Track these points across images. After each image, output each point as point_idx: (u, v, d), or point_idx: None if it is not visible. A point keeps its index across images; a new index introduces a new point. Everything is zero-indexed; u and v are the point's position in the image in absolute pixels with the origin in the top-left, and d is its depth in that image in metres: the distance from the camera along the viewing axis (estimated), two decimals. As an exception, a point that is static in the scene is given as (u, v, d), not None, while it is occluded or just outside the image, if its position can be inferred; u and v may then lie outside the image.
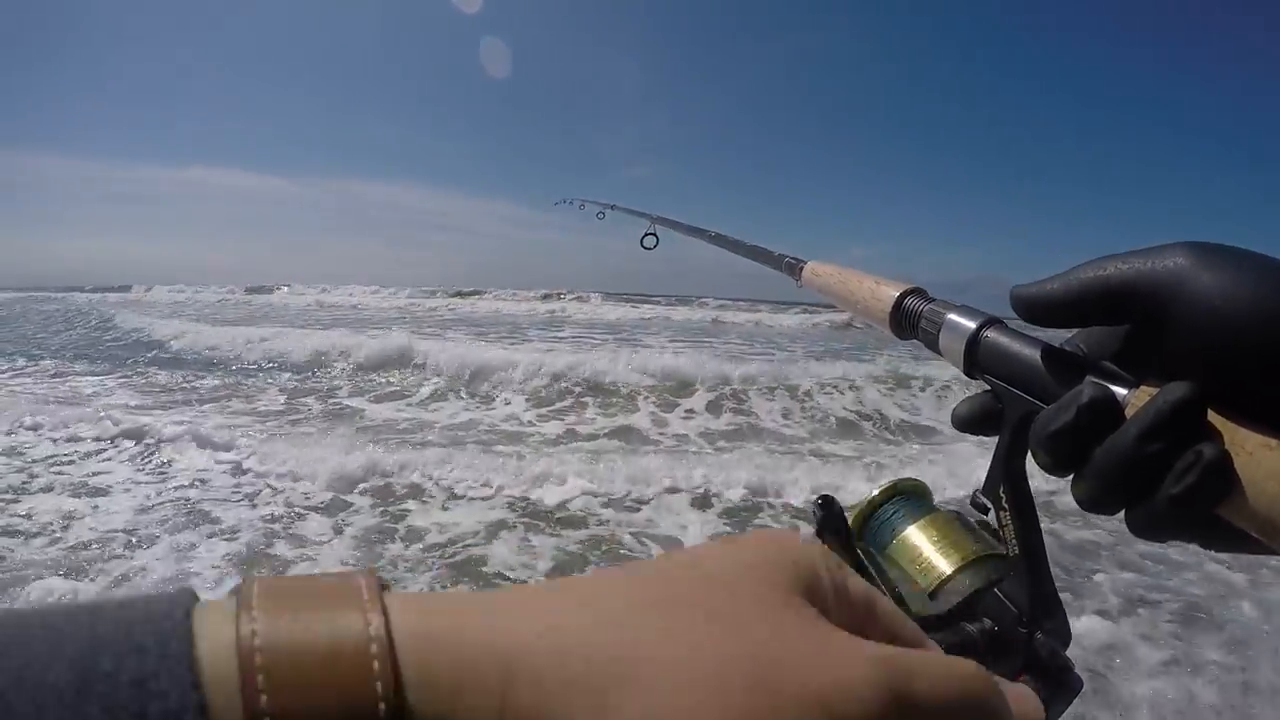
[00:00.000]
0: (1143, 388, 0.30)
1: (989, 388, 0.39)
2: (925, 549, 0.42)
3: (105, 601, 0.17)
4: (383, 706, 0.17)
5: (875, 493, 0.46)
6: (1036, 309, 0.35)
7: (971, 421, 0.39)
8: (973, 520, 0.43)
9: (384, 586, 0.20)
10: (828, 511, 0.41)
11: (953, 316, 0.41)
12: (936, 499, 0.46)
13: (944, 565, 0.41)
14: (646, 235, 1.39)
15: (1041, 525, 0.39)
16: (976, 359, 0.39)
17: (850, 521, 0.44)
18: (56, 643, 0.16)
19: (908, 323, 0.47)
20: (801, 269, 0.68)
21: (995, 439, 0.39)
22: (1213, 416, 0.28)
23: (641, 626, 0.19)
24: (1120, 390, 0.31)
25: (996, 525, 0.39)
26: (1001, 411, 0.38)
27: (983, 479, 0.39)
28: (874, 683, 0.20)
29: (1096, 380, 0.31)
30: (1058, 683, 0.36)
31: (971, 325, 0.39)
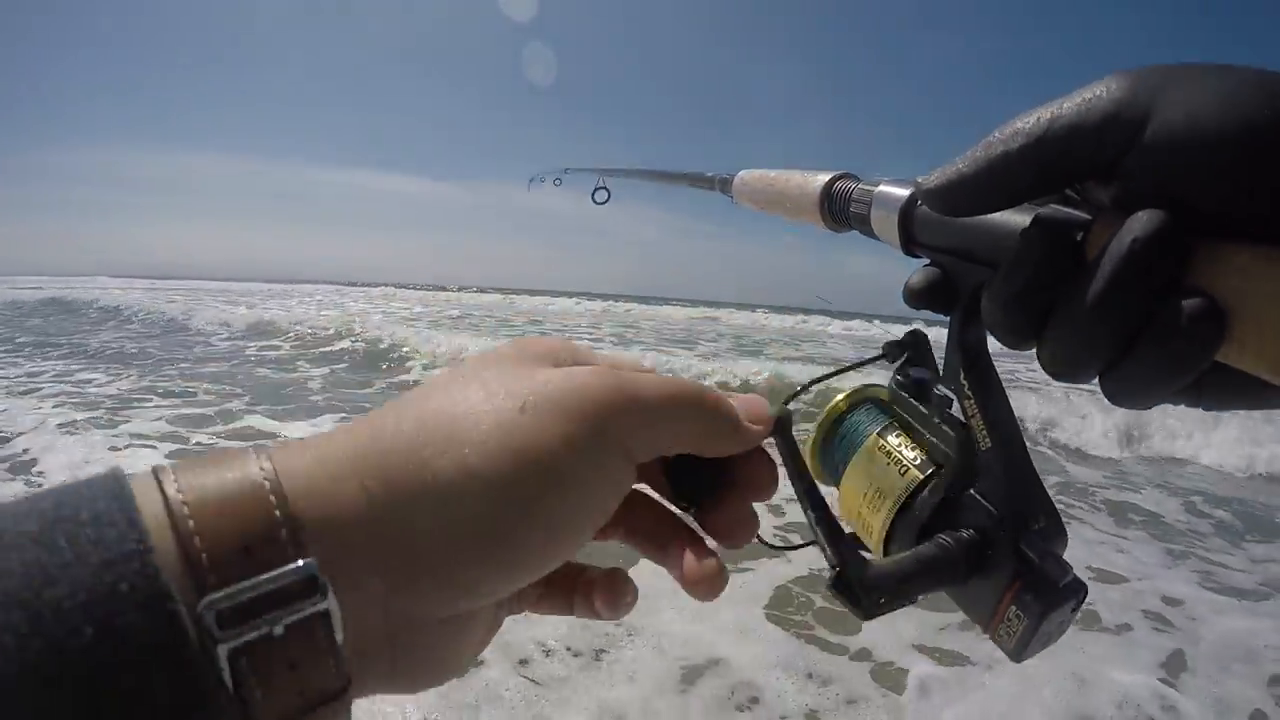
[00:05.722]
0: (1099, 223, 0.25)
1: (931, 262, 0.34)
2: (859, 497, 0.36)
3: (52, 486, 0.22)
4: (276, 510, 0.22)
5: (839, 399, 0.39)
6: (957, 199, 0.28)
7: (923, 293, 0.34)
8: (927, 413, 0.35)
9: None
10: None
11: (883, 189, 0.36)
12: None
13: (876, 524, 0.35)
14: (597, 190, 1.37)
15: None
16: (913, 233, 0.34)
17: (810, 442, 0.39)
18: (25, 507, 0.20)
19: (839, 211, 0.40)
20: (732, 182, 0.60)
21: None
22: (1192, 242, 0.23)
23: (455, 394, 0.27)
24: (1076, 227, 0.26)
25: (963, 416, 0.33)
26: (953, 288, 0.33)
27: None
28: (605, 378, 0.28)
29: (1047, 215, 0.26)
30: (1055, 588, 0.29)
31: (904, 194, 0.34)
